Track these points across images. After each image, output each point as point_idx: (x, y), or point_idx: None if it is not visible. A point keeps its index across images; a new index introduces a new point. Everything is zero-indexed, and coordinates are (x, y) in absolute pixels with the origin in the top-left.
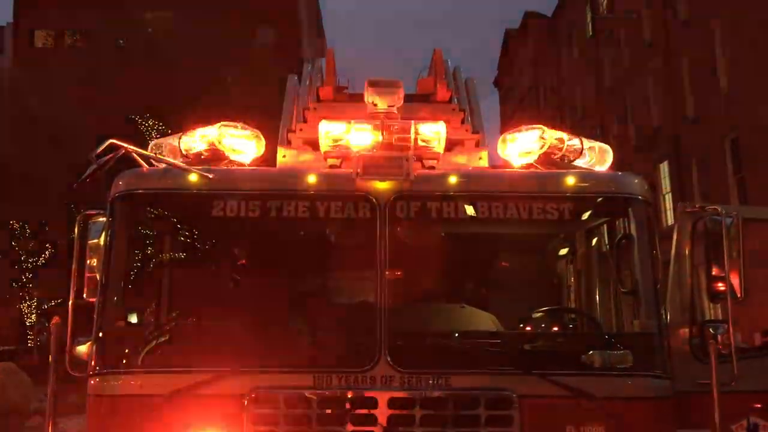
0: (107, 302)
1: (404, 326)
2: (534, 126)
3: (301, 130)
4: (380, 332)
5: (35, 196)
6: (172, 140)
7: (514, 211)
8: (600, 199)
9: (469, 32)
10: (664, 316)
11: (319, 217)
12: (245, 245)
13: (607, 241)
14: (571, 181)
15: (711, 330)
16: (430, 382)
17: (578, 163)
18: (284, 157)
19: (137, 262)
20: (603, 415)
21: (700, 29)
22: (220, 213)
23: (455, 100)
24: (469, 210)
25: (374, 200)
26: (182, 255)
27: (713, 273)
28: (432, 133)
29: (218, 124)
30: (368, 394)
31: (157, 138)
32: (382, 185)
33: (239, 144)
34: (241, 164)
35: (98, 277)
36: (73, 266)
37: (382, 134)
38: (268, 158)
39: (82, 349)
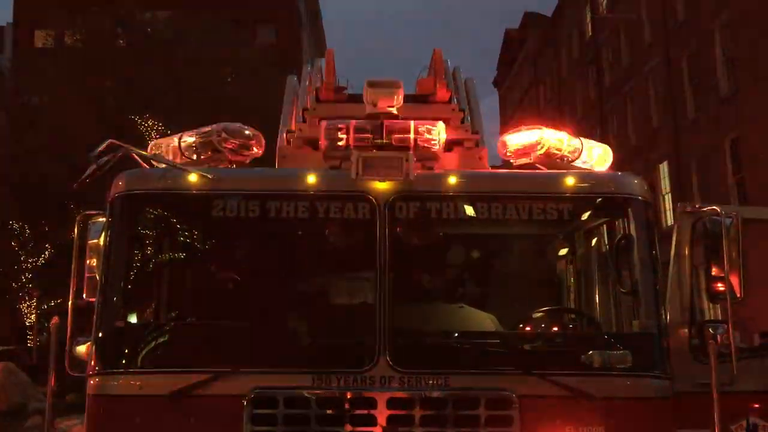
0: (107, 302)
1: (404, 326)
2: (533, 126)
3: (300, 130)
4: (379, 332)
5: (35, 195)
6: (172, 140)
7: (514, 211)
8: (599, 199)
9: (468, 32)
10: (663, 317)
11: (318, 217)
12: (245, 245)
13: (606, 242)
14: (570, 181)
15: (710, 330)
16: (430, 382)
17: (578, 163)
18: (284, 157)
19: (137, 263)
20: (603, 416)
21: (699, 29)
22: (220, 213)
23: (455, 100)
24: (469, 210)
25: (374, 200)
26: (182, 255)
27: (713, 273)
28: (432, 133)
29: (218, 124)
30: (367, 394)
31: (157, 138)
32: (381, 185)
33: (239, 144)
34: (241, 164)
35: (98, 278)
36: (73, 266)
37: (382, 134)
38: (268, 158)
39: (82, 349)
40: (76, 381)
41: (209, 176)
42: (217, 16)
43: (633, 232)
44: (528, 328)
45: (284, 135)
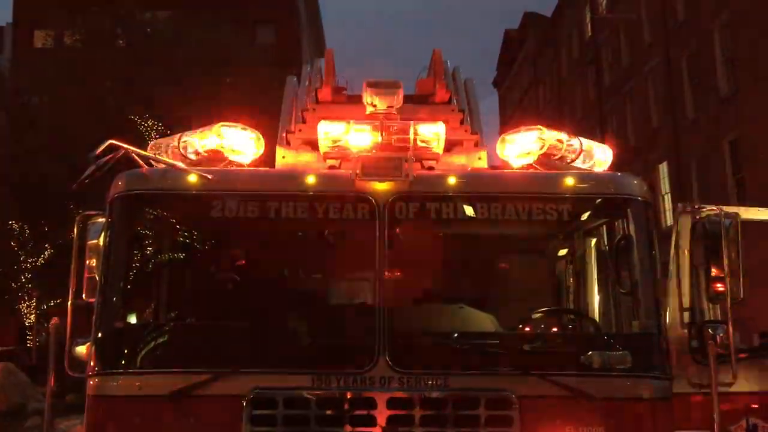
0: (106, 303)
1: (403, 327)
2: (533, 126)
3: (300, 130)
4: (379, 333)
5: (35, 195)
6: (171, 141)
7: (513, 211)
8: (599, 199)
9: (468, 32)
10: (663, 317)
11: (318, 217)
12: (244, 246)
13: (606, 242)
14: (570, 181)
15: (710, 331)
16: (429, 382)
17: (577, 163)
18: (283, 157)
19: (136, 263)
20: (602, 416)
21: (699, 29)
22: (220, 214)
23: (454, 100)
24: (468, 211)
25: (373, 201)
26: (181, 255)
27: (712, 274)
28: (431, 133)
29: (218, 125)
30: (367, 394)
31: (156, 138)
32: (381, 186)
33: (239, 144)
34: (241, 165)
35: (97, 278)
36: (72, 267)
37: (381, 135)
38: (268, 159)
39: (81, 349)
40: (75, 381)
41: (209, 176)
42: (217, 16)
43: (632, 232)
44: (528, 329)
45: (284, 135)
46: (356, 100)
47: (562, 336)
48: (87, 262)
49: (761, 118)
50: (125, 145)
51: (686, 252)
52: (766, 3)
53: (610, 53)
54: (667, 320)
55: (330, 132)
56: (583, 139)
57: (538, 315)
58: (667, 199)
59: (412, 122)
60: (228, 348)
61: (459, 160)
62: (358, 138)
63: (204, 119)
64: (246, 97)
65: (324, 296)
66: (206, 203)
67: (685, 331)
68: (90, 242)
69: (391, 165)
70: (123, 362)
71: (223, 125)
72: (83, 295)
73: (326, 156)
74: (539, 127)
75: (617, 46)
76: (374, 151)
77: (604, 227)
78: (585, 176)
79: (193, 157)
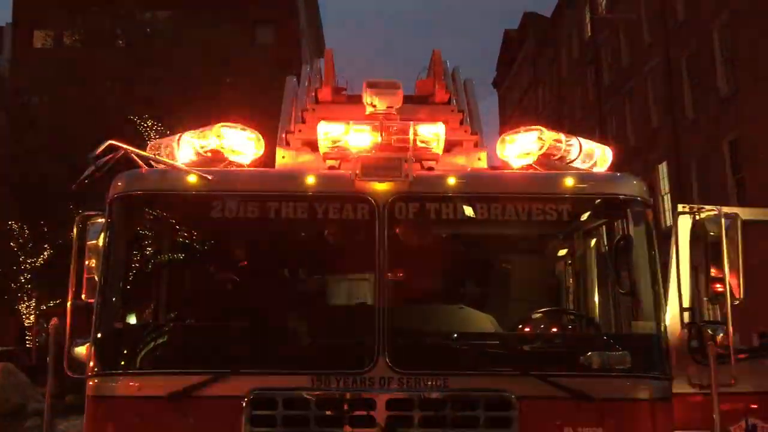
0: (106, 303)
1: (403, 327)
2: (533, 127)
3: (299, 131)
4: (379, 333)
5: (35, 195)
6: (171, 141)
7: (513, 212)
8: (599, 200)
9: (468, 32)
10: (662, 318)
11: (317, 218)
12: (244, 246)
13: (606, 243)
14: (569, 182)
15: (709, 331)
16: (429, 383)
17: (577, 164)
18: (283, 158)
19: (136, 264)
20: (602, 417)
21: (699, 29)
22: (219, 214)
23: (454, 101)
24: (468, 211)
25: (373, 201)
26: (181, 256)
27: (712, 274)
28: (431, 134)
29: (217, 125)
30: (366, 395)
31: (156, 138)
32: (381, 186)
33: (238, 145)
34: (240, 165)
35: (97, 278)
36: (72, 267)
37: (381, 135)
38: (267, 159)
39: (81, 350)
40: (75, 382)
41: (208, 177)
42: (217, 16)
43: (632, 232)
44: (527, 329)
45: (283, 136)
46: (356, 100)
47: (561, 336)
48: (86, 262)
49: (761, 118)
50: (125, 146)
51: (686, 252)
52: (766, 3)
53: (609, 53)
54: (667, 320)
55: (330, 132)
56: (582, 140)
57: (537, 315)
58: (667, 199)
59: (411, 123)
60: (227, 348)
61: (459, 160)
62: (358, 138)
63: (204, 119)
64: (246, 97)
65: (324, 297)
66: (206, 204)
67: (685, 331)
68: (89, 242)
69: (391, 165)
70: (122, 363)
71: (222, 126)
72: (83, 296)
73: (326, 156)
74: (539, 127)
75: (617, 46)
76: (374, 151)
77: (604, 228)
78: (584, 176)
79: (192, 157)
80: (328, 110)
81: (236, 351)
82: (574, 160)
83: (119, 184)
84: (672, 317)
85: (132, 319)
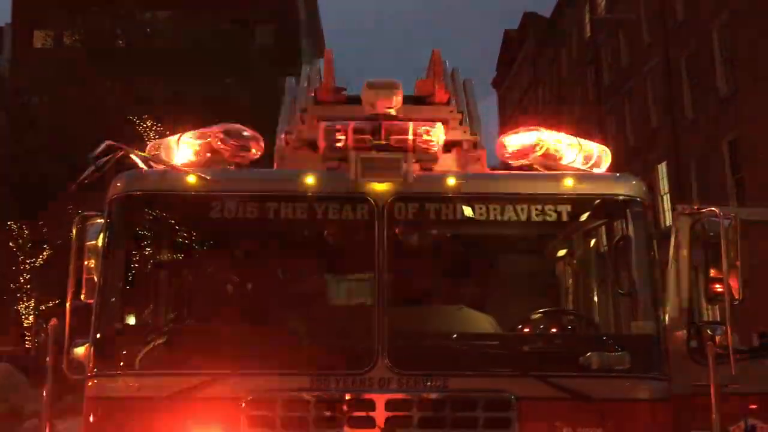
0: (105, 304)
1: (402, 328)
2: (532, 127)
3: (299, 131)
4: (378, 334)
5: (35, 195)
6: (170, 141)
7: (512, 212)
8: (598, 200)
9: (468, 32)
10: (662, 318)
11: (317, 218)
12: (243, 247)
13: (605, 243)
14: (569, 182)
15: (709, 331)
16: (428, 383)
17: (576, 164)
18: (282, 158)
19: (135, 264)
20: (601, 417)
21: (698, 29)
22: (219, 215)
23: (453, 101)
24: (468, 211)
25: (372, 201)
26: (180, 257)
27: (711, 275)
28: (430, 134)
29: (217, 126)
30: (366, 396)
31: (155, 139)
32: (380, 186)
33: (238, 145)
34: (240, 165)
35: (96, 279)
36: (71, 268)
37: (381, 136)
38: (267, 160)
39: (80, 350)
40: (74, 383)
41: (208, 177)
42: (217, 16)
43: (631, 233)
44: (526, 330)
45: (283, 136)
46: (355, 100)
47: (560, 337)
48: (86, 262)
49: (761, 118)
50: (124, 146)
51: (685, 253)
52: (765, 3)
53: (609, 53)
54: (666, 321)
55: (329, 132)
56: (582, 140)
57: (537, 316)
58: (667, 199)
59: (411, 123)
60: (227, 349)
61: (458, 160)
62: (358, 138)
63: (203, 120)
64: (245, 97)
65: (323, 297)
66: (205, 204)
67: (684, 331)
68: (89, 243)
69: (391, 166)
70: (122, 363)
71: (222, 126)
72: (82, 296)
73: (325, 156)
74: (538, 127)
75: (616, 46)
76: (373, 151)
77: (603, 228)
78: (584, 177)
79: (192, 158)
80: (327, 110)
81: (235, 351)
82: (574, 160)
83: (118, 184)
84: (671, 317)
85: (131, 320)
